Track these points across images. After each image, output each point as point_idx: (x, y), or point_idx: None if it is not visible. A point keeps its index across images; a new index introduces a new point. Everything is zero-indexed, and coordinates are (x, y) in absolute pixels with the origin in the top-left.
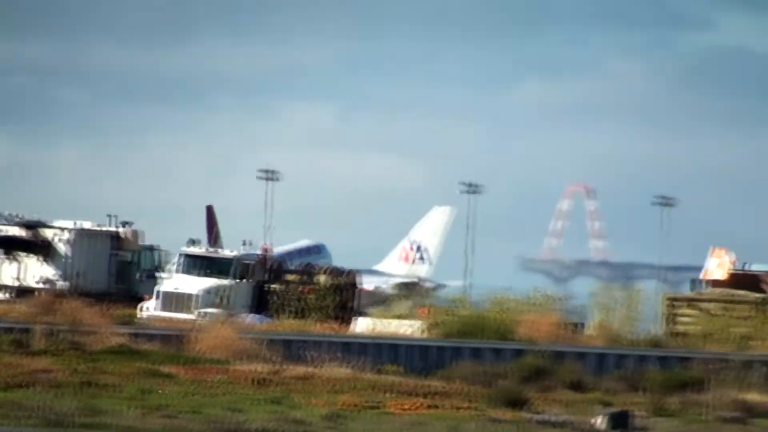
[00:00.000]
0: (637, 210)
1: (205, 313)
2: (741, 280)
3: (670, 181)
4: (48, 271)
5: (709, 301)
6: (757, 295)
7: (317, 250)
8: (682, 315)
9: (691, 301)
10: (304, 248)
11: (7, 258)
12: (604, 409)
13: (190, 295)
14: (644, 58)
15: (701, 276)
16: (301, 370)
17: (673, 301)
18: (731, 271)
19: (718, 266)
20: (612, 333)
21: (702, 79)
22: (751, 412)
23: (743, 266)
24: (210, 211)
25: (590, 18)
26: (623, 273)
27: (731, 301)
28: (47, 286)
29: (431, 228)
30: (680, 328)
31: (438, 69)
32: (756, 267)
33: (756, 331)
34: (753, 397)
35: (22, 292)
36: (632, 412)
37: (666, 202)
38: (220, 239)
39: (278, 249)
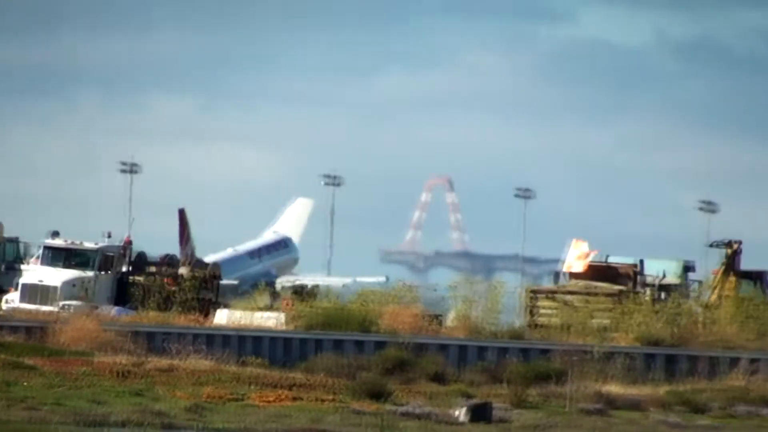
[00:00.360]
0: (498, 202)
1: (68, 306)
2: (600, 272)
3: (530, 174)
4: None
5: (570, 293)
6: (617, 287)
7: (284, 244)
8: (543, 307)
9: (551, 293)
10: (272, 244)
11: None
12: (465, 401)
13: (52, 287)
14: (505, 50)
15: (562, 268)
16: (164, 362)
17: (534, 293)
18: (591, 263)
19: (577, 258)
20: (473, 325)
21: (562, 71)
22: (611, 403)
23: (605, 258)
24: (182, 215)
25: (451, 9)
26: (484, 265)
27: (591, 293)
28: None
29: (293, 220)
30: (541, 320)
31: (299, 60)
32: (614, 259)
33: (616, 323)
34: (613, 388)
35: None
36: (493, 404)
37: (526, 194)
38: (191, 242)
39: (245, 246)
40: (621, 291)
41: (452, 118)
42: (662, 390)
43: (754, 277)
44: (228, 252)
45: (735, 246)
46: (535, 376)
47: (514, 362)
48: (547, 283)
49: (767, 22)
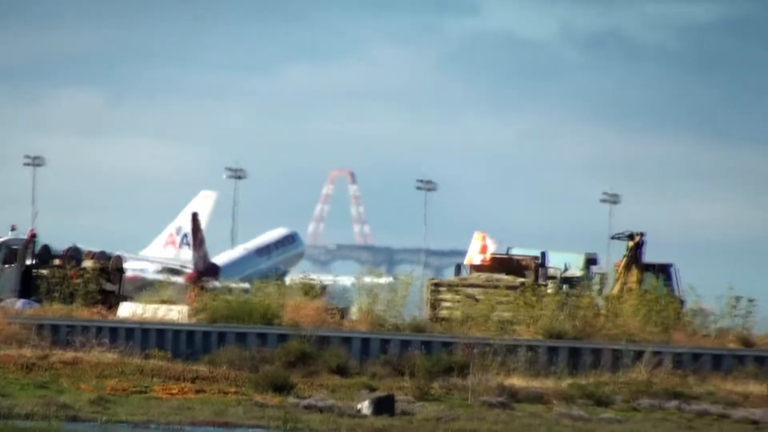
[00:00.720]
0: (400, 195)
1: None
2: (503, 264)
3: (433, 166)
4: None
5: (472, 286)
6: (519, 279)
7: (291, 239)
8: (446, 300)
9: (454, 286)
10: (279, 240)
11: None
12: (369, 393)
13: None
14: (410, 43)
15: (464, 260)
16: (68, 354)
17: (436, 286)
18: (493, 256)
19: (480, 251)
20: (376, 317)
21: (467, 63)
22: (514, 396)
23: (506, 250)
24: (195, 219)
25: (358, 3)
26: (386, 257)
27: (494, 286)
28: None
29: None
30: (444, 312)
31: (205, 54)
32: (517, 251)
33: (518, 316)
34: (516, 381)
35: None
36: (396, 397)
37: (428, 186)
38: (204, 245)
39: (253, 243)
40: (523, 283)
41: (356, 111)
42: (565, 383)
43: (657, 269)
44: (238, 250)
45: (638, 238)
46: (437, 369)
47: (417, 355)
48: (450, 276)
49: (674, 14)
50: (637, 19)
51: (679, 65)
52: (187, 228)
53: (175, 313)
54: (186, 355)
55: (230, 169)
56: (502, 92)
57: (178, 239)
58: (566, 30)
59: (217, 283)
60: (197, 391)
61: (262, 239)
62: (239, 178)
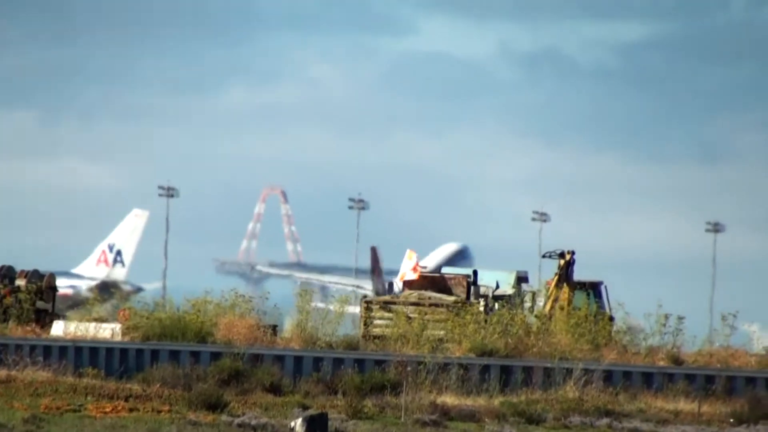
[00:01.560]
0: (332, 213)
1: None
2: (434, 282)
3: (365, 185)
4: None
5: (405, 303)
6: (450, 297)
7: (463, 255)
8: (379, 317)
9: (386, 304)
10: (455, 254)
11: None
12: (302, 411)
13: None
14: (345, 63)
15: (396, 278)
16: (2, 373)
17: (369, 304)
18: (424, 274)
19: (411, 269)
20: (309, 335)
21: (402, 83)
22: (446, 414)
23: (439, 269)
24: (374, 252)
25: (294, 23)
26: (319, 275)
27: (425, 304)
28: None
29: (128, 231)
30: (377, 330)
31: (139, 74)
32: (448, 269)
33: (451, 334)
34: (448, 399)
35: None
36: (329, 415)
37: (360, 205)
38: (383, 275)
39: (429, 261)
40: (455, 301)
41: (289, 131)
42: (497, 401)
43: (587, 287)
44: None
45: (568, 256)
46: (370, 387)
47: (350, 373)
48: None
49: (610, 34)
50: (573, 38)
51: (613, 83)
52: (120, 245)
53: (108, 331)
54: (119, 374)
55: (162, 188)
56: (437, 111)
57: (110, 257)
58: (504, 49)
59: None
60: (131, 410)
61: (439, 255)
62: (171, 196)
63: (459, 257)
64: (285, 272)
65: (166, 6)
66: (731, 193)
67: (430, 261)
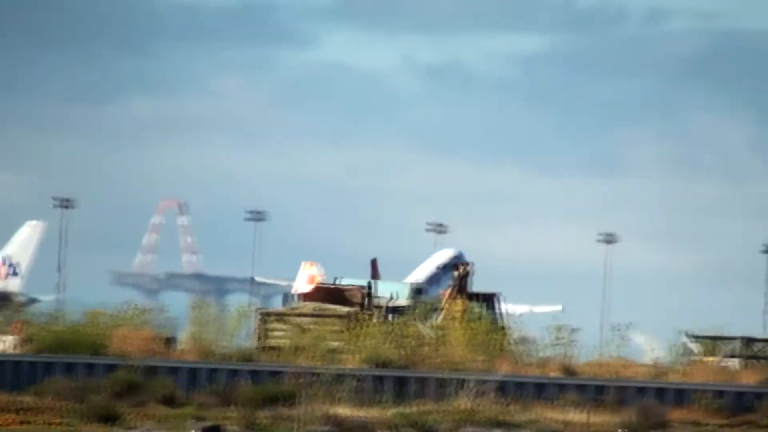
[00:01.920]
0: (230, 225)
1: None
2: (330, 293)
3: (263, 197)
4: None
5: (301, 315)
6: (346, 308)
7: (459, 260)
8: (274, 329)
9: (282, 316)
10: (449, 262)
11: None
12: (196, 423)
13: None
14: (246, 74)
15: (293, 290)
16: None
17: (265, 316)
18: (320, 285)
19: (307, 280)
20: (204, 347)
21: (300, 94)
22: (341, 425)
23: (334, 280)
24: (374, 264)
25: (196, 35)
26: (216, 287)
27: (321, 315)
28: None
29: (22, 243)
30: (272, 342)
31: (36, 84)
32: (346, 281)
33: (346, 345)
34: (343, 410)
35: None
36: (224, 427)
37: (258, 217)
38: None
39: (423, 271)
40: (350, 313)
41: (188, 142)
42: (390, 412)
43: (484, 299)
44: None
45: (462, 268)
46: (265, 399)
47: (245, 385)
48: (278, 305)
49: (512, 47)
50: (476, 51)
51: (513, 96)
52: (15, 256)
53: (1, 343)
54: (12, 386)
55: (57, 199)
56: (335, 123)
57: (3, 269)
58: (407, 61)
59: None
60: (22, 422)
61: (432, 264)
62: (67, 207)
63: (454, 262)
64: (284, 282)
65: (70, 16)
66: (625, 204)
67: (427, 267)
